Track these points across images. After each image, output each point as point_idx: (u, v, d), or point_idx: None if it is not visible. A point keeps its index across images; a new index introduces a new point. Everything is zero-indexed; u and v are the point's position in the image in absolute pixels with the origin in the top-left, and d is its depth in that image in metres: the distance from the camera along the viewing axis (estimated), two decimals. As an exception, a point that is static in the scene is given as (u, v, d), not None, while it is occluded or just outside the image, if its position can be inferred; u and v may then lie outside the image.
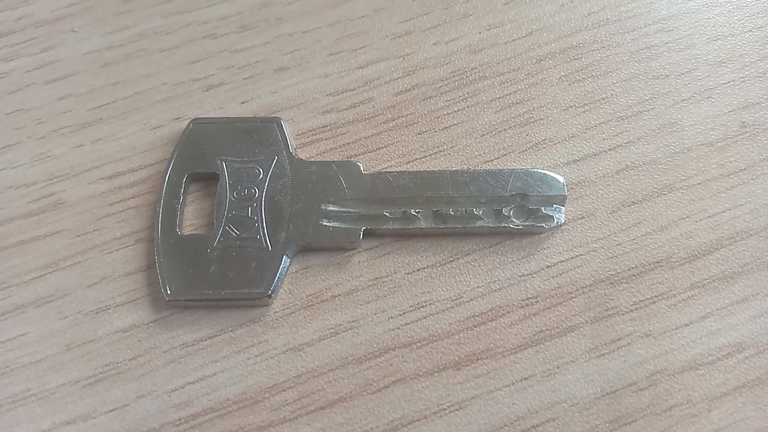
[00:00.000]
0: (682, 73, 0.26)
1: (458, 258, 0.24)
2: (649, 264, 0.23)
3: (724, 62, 0.26)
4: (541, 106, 0.26)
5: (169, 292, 0.22)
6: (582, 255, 0.24)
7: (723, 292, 0.23)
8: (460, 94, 0.26)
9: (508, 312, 0.23)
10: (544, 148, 0.25)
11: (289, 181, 0.24)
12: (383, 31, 0.27)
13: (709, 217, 0.24)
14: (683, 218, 0.24)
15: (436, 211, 0.23)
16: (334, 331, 0.23)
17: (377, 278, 0.23)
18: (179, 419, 0.22)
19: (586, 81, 0.26)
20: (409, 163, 0.25)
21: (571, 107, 0.26)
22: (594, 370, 0.22)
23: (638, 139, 0.25)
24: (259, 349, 0.22)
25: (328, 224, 0.23)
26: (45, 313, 0.23)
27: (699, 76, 0.26)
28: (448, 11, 0.27)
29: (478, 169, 0.24)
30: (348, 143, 0.25)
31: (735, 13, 0.27)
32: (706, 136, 0.25)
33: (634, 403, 0.22)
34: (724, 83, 0.26)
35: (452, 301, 0.23)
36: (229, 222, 0.23)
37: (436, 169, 0.25)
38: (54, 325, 0.23)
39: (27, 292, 0.23)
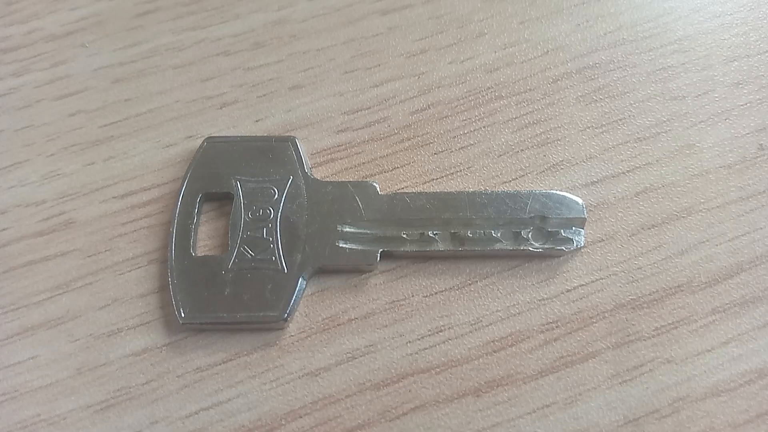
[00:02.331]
0: (699, 95, 0.26)
1: (476, 281, 0.23)
2: (670, 288, 0.23)
3: (741, 84, 0.26)
4: (559, 127, 0.25)
5: (183, 315, 0.22)
6: (602, 279, 0.23)
7: (744, 317, 0.23)
8: (477, 113, 0.26)
9: (528, 337, 0.22)
10: (561, 169, 0.25)
11: (304, 202, 0.24)
12: (398, 50, 0.27)
13: (728, 240, 0.24)
14: (703, 242, 0.24)
15: (454, 233, 0.23)
16: (351, 355, 0.22)
17: (394, 301, 0.23)
18: (193, 446, 0.21)
19: (603, 101, 0.26)
20: (425, 183, 0.25)
21: (589, 128, 0.25)
22: (616, 397, 0.22)
23: (657, 160, 0.25)
24: (275, 374, 0.22)
25: (344, 246, 0.23)
26: (55, 335, 0.22)
27: (716, 97, 0.26)
28: (463, 30, 0.27)
29: (497, 190, 0.24)
30: (363, 163, 0.25)
31: (751, 34, 0.27)
32: (724, 159, 0.25)
33: (657, 431, 0.21)
34: (742, 105, 0.26)
35: (471, 325, 0.23)
36: (244, 243, 0.23)
37: (452, 189, 0.24)
38: (65, 348, 0.22)
39: (37, 314, 0.23)
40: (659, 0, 0.28)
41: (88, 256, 0.24)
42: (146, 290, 0.23)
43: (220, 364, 0.22)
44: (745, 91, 0.26)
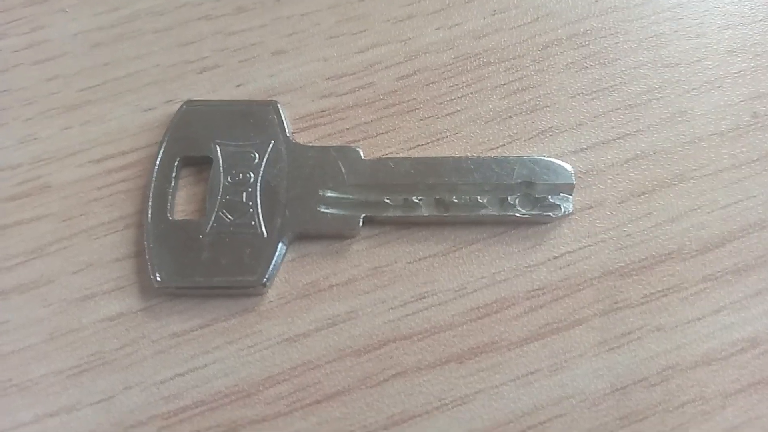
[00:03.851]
0: (692, 62, 0.25)
1: (461, 247, 0.23)
2: (660, 256, 0.22)
3: (734, 51, 0.26)
4: (548, 93, 0.25)
5: (158, 279, 0.21)
6: (590, 246, 0.23)
7: (736, 285, 0.22)
8: (464, 79, 0.25)
9: (514, 304, 0.22)
10: (550, 135, 0.24)
11: (285, 166, 0.23)
12: (384, 15, 0.26)
13: (721, 208, 0.23)
14: (695, 209, 0.23)
15: (439, 198, 0.23)
16: (331, 321, 0.22)
17: (377, 267, 0.22)
18: (168, 412, 0.21)
19: (594, 68, 0.25)
20: (410, 149, 0.24)
21: (579, 95, 0.25)
22: (603, 365, 0.21)
23: (648, 127, 0.24)
24: (253, 340, 0.21)
25: (326, 211, 0.22)
26: (28, 300, 0.22)
27: (709, 65, 0.25)
28: (452, -5, 0.27)
29: (483, 156, 0.24)
30: (347, 129, 0.24)
31: (746, 2, 0.27)
32: (717, 126, 0.24)
33: (645, 399, 0.21)
34: (735, 73, 0.25)
35: (455, 292, 0.22)
36: (223, 207, 0.22)
37: (438, 156, 0.24)
38: (38, 313, 0.22)
39: (10, 278, 0.22)
40: (652, -33, 0.27)
41: (63, 221, 0.23)
42: (122, 255, 0.22)
43: (196, 330, 0.21)
44: (738, 59, 0.26)
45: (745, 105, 0.25)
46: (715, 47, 0.26)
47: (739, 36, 0.26)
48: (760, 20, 0.26)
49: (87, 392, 0.21)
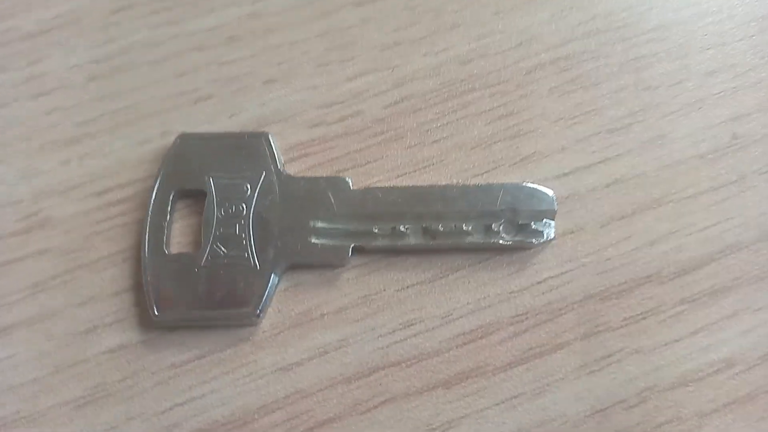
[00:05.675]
0: (673, 84, 0.26)
1: (447, 274, 0.24)
2: (639, 279, 0.23)
3: (715, 72, 0.26)
4: (531, 119, 0.25)
5: (156, 313, 0.22)
6: (572, 270, 0.23)
7: (713, 307, 0.23)
8: (450, 106, 0.26)
9: (498, 329, 0.23)
10: (534, 161, 0.25)
11: (277, 198, 0.24)
12: (372, 42, 0.27)
13: (699, 231, 0.24)
14: (673, 232, 0.24)
15: (426, 227, 0.23)
16: (323, 350, 0.23)
17: (366, 296, 0.23)
18: (169, 441, 0.22)
19: (576, 92, 0.26)
20: (398, 177, 0.25)
21: (561, 119, 0.25)
22: (584, 388, 0.22)
23: (628, 151, 0.25)
24: (248, 370, 0.22)
25: (316, 241, 0.23)
26: (33, 333, 0.23)
27: (690, 86, 0.26)
28: (437, 21, 0.27)
29: (468, 184, 0.24)
30: (337, 157, 0.25)
31: (726, 23, 0.27)
32: (697, 148, 0.25)
33: (625, 421, 0.22)
34: (716, 94, 0.26)
35: (441, 318, 0.23)
36: (217, 240, 0.23)
37: (425, 183, 0.25)
38: (43, 346, 0.23)
39: (15, 313, 0.23)
40: (635, -12, 0.28)
41: (65, 255, 0.24)
42: (121, 288, 0.23)
43: (193, 361, 0.22)
44: (719, 80, 0.26)
45: (725, 126, 0.25)
46: (695, 68, 0.26)
47: (719, 56, 0.26)
48: (740, 40, 0.27)
49: (91, 424, 0.22)
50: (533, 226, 0.23)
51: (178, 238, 0.24)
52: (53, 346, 0.23)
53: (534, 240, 0.23)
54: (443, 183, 0.25)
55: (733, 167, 0.25)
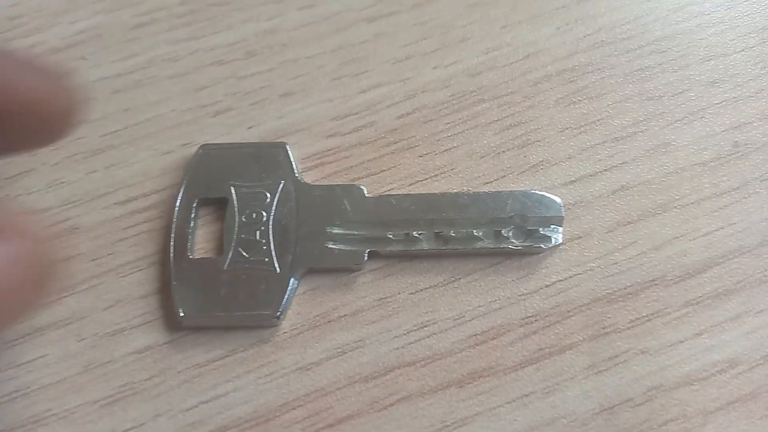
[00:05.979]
0: (676, 94, 0.27)
1: (459, 278, 0.24)
2: (645, 282, 0.24)
3: (716, 82, 0.27)
4: (538, 128, 0.26)
5: (182, 315, 0.23)
6: (579, 274, 0.24)
7: (716, 309, 0.24)
8: (460, 116, 0.27)
9: (509, 330, 0.24)
10: (541, 169, 0.26)
11: (295, 205, 0.25)
12: (384, 56, 0.28)
13: (703, 236, 0.25)
14: (677, 237, 0.25)
15: (438, 233, 0.24)
16: (341, 350, 0.24)
17: (382, 299, 0.24)
18: (193, 438, 0.23)
19: (582, 103, 0.27)
20: (411, 185, 0.26)
21: (567, 129, 0.26)
22: (592, 387, 0.23)
23: (633, 159, 0.26)
24: (269, 369, 0.23)
25: (333, 247, 0.24)
26: (63, 335, 0.24)
27: (692, 96, 0.27)
28: (447, 36, 0.28)
29: (478, 191, 0.25)
30: (352, 166, 0.26)
31: (728, 33, 0.28)
32: (700, 156, 0.26)
33: (631, 419, 0.23)
34: (717, 103, 0.27)
35: (454, 320, 0.24)
36: (239, 245, 0.24)
37: (437, 191, 0.26)
38: (72, 347, 0.24)
39: (46, 315, 0.24)
40: (638, 1, 0.29)
41: (92, 260, 0.25)
42: (147, 291, 0.24)
43: (217, 360, 0.23)
44: (720, 90, 0.27)
45: (727, 135, 0.26)
46: (697, 79, 0.27)
47: (721, 67, 0.27)
48: (741, 51, 0.28)
49: (120, 420, 0.23)
50: (542, 232, 0.24)
51: (201, 244, 0.25)
52: (82, 347, 0.24)
53: (542, 245, 0.24)
54: (454, 190, 0.26)
55: (735, 174, 0.26)
